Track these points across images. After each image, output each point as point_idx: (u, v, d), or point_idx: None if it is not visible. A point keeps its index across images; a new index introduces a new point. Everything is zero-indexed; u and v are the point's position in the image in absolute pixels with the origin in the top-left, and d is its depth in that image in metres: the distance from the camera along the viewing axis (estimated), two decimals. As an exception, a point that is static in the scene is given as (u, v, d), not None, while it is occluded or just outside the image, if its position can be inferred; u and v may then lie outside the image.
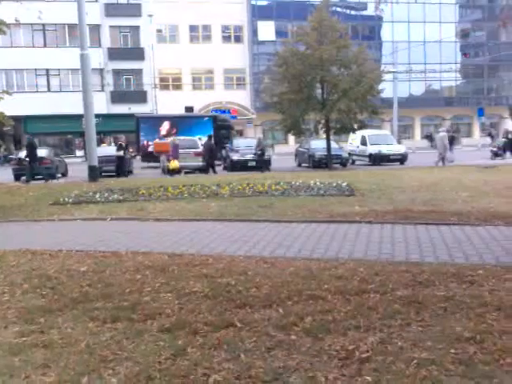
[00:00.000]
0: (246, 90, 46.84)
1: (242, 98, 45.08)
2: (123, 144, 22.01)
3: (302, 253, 6.00)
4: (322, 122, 24.70)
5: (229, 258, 5.74)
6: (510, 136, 28.82)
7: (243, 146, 25.86)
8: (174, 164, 20.86)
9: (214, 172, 21.74)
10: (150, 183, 14.43)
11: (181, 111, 41.69)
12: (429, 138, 50.21)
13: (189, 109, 35.61)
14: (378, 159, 26.62)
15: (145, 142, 30.11)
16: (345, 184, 12.64)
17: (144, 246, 6.53)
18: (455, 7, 51.18)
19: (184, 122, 31.47)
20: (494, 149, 27.29)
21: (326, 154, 24.67)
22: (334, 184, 12.65)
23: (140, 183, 14.88)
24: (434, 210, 8.57)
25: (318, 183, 12.83)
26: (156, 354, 3.30)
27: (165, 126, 31.22)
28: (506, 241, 6.33)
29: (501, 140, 28.67)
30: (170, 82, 45.98)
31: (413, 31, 48.36)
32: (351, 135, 29.20)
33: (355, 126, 24.66)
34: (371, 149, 27.35)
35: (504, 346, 3.21)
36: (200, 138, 27.62)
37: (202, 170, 22.06)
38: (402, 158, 26.83)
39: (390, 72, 38.23)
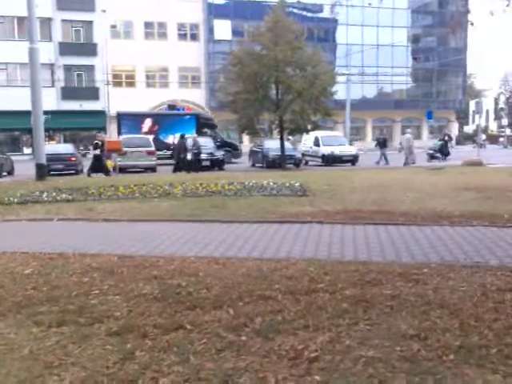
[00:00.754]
0: (201, 89, 46.65)
1: (197, 96, 44.86)
2: (99, 142, 21.40)
3: (253, 253, 6.01)
4: (276, 122, 24.89)
5: (180, 259, 5.68)
6: (446, 138, 29.92)
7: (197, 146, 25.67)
8: (110, 164, 20.40)
9: (187, 170, 21.50)
10: (101, 182, 14.13)
11: (134, 108, 41.07)
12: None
13: (171, 107, 35.33)
14: (330, 160, 27.06)
15: (192, 137, 29.57)
16: (297, 184, 12.74)
17: (92, 248, 6.40)
18: (407, 12, 52.69)
19: (166, 120, 31.22)
20: (430, 151, 27.81)
21: (279, 154, 24.86)
22: (287, 184, 12.73)
23: (90, 182, 14.55)
24: (382, 211, 8.75)
25: (271, 183, 12.87)
26: (103, 358, 3.23)
27: (147, 123, 30.92)
28: (451, 240, 6.54)
29: (437, 142, 29.17)
30: (123, 79, 45.23)
31: (366, 35, 49.47)
32: (304, 136, 29.56)
33: (309, 127, 24.97)
34: (324, 150, 27.76)
35: (447, 343, 3.32)
36: (183, 136, 27.66)
37: (175, 170, 21.83)
38: (353, 159, 27.40)
39: (344, 74, 38.98)
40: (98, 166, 20.83)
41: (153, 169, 23.20)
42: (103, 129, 43.43)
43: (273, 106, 24.17)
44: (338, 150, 27.52)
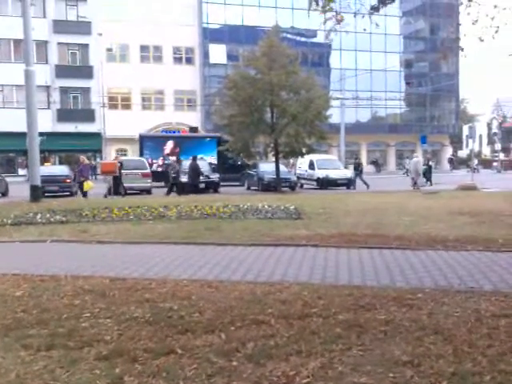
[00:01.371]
0: (197, 112, 46.94)
1: (192, 119, 45.08)
2: (118, 163, 21.47)
3: (247, 276, 5.99)
4: (271, 145, 25.02)
5: (173, 282, 5.66)
6: (430, 163, 29.87)
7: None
8: (88, 185, 20.28)
9: (196, 192, 21.36)
10: (95, 204, 14.09)
11: (129, 131, 41.33)
12: (375, 163, 51.78)
13: (193, 129, 35.86)
14: (325, 183, 27.15)
15: (149, 160, 29.72)
16: (292, 207, 12.76)
17: (85, 270, 6.36)
18: (400, 38, 53.54)
19: (187, 142, 31.63)
20: (414, 176, 27.22)
21: (274, 177, 24.93)
22: (282, 207, 12.76)
23: (84, 204, 14.51)
24: (377, 234, 8.78)
25: (266, 206, 12.91)
26: (91, 383, 3.18)
27: (169, 145, 31.35)
28: (445, 265, 6.54)
29: (409, 167, 29.28)
30: (119, 102, 45.48)
31: (360, 59, 50.15)
32: (300, 159, 29.68)
33: (303, 151, 25.11)
34: (319, 173, 27.87)
35: (440, 370, 3.29)
36: (202, 158, 27.96)
37: (216, 190, 22.09)
38: (348, 183, 27.49)
39: (338, 98, 39.31)
40: (118, 187, 20.77)
41: (148, 191, 23.19)
42: (99, 151, 43.55)
43: (268, 129, 24.34)
44: (333, 174, 27.65)
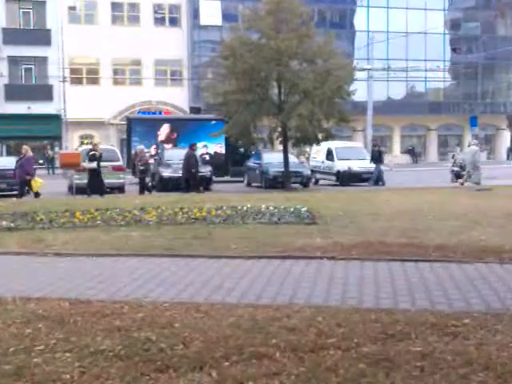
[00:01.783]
0: (183, 87, 47.01)
1: (177, 96, 45.17)
2: (97, 153, 21.55)
3: (246, 298, 6.01)
4: (279, 130, 25.03)
5: (150, 305, 5.68)
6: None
7: (177, 160, 25.83)
8: (37, 183, 20.19)
9: (193, 190, 21.61)
10: (53, 206, 14.13)
11: (97, 112, 41.39)
12: (411, 152, 51.75)
13: (195, 109, 36.03)
14: (347, 178, 27.16)
15: (138, 150, 29.97)
16: (305, 209, 12.78)
17: (38, 290, 6.38)
18: (444, -8, 53.36)
19: (188, 126, 31.79)
20: (455, 168, 26.70)
21: (282, 170, 24.95)
22: (292, 209, 12.79)
23: (39, 206, 14.55)
24: (412, 243, 8.78)
25: (271, 208, 12.92)
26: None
27: (164, 130, 31.50)
28: (499, 282, 6.54)
29: (464, 157, 27.35)
30: (83, 75, 45.59)
31: (392, 19, 50.06)
32: (315, 148, 29.69)
33: (319, 136, 25.11)
34: (339, 165, 27.89)
35: (491, 416, 3.29)
36: (206, 146, 28.26)
37: (184, 188, 22.04)
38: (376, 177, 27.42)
39: (364, 69, 39.33)
40: (97, 184, 20.95)
41: (120, 189, 23.24)
42: (58, 138, 43.68)
43: (274, 109, 24.35)
44: (356, 166, 27.65)
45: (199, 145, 27.30)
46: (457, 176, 26.37)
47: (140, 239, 9.66)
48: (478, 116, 50.95)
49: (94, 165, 21.13)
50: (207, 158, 29.33)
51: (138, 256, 8.30)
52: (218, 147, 30.63)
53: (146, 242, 9.31)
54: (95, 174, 21.15)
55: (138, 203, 14.81)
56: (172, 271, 7.31)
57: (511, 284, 6.45)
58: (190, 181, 22.43)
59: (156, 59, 45.77)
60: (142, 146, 25.88)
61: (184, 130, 31.10)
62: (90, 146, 24.16)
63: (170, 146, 29.64)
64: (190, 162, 22.55)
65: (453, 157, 40.39)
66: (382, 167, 27.70)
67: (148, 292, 6.28)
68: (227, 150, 30.47)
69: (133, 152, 29.31)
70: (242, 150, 29.35)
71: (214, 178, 26.28)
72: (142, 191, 22.09)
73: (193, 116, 34.32)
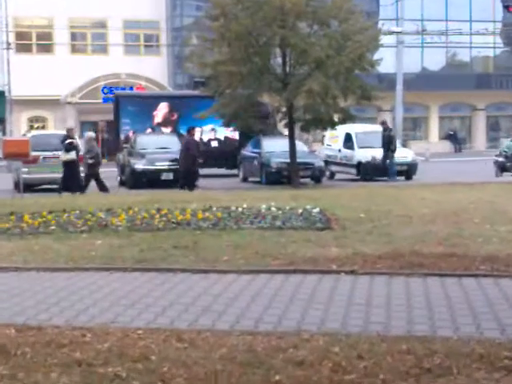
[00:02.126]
0: (162, 57, 47.03)
1: (153, 68, 45.16)
2: (74, 141, 21.59)
3: (241, 323, 6.01)
4: (283, 110, 25.01)
5: (120, 332, 5.68)
6: None
7: (153, 148, 25.80)
8: None
9: (191, 187, 21.82)
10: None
11: (50, 88, 41.29)
12: (452, 138, 51.72)
13: (199, 84, 35.91)
14: (370, 171, 27.14)
15: (130, 134, 30.04)
16: (316, 210, 12.80)
17: (-24, 314, 6.38)
18: None
19: (189, 105, 31.50)
20: (500, 159, 27.13)
21: (288, 161, 24.95)
22: (300, 210, 12.80)
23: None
24: (454, 253, 8.78)
25: (273, 209, 12.95)
26: None
27: (161, 110, 31.50)
28: None
29: (510, 144, 28.22)
30: (33, 41, 45.54)
31: (428, -31, 50.04)
32: (329, 133, 29.67)
33: (335, 118, 25.08)
34: (360, 154, 27.89)
35: None
36: (214, 129, 28.74)
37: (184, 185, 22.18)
38: (408, 170, 27.49)
39: (393, 33, 39.26)
40: (73, 179, 21.02)
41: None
42: (0, 120, 43.60)
43: (277, 84, 24.32)
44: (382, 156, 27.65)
45: (206, 128, 27.23)
46: (502, 169, 26.49)
47: (106, 249, 9.63)
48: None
49: (72, 155, 21.22)
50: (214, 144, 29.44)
51: (102, 270, 8.29)
52: (229, 131, 30.58)
53: (114, 253, 9.29)
54: (73, 167, 21.22)
55: (103, 203, 14.77)
56: (147, 290, 7.28)
57: None
58: (189, 175, 22.65)
59: (126, 20, 45.74)
60: (90, 133, 25.60)
61: (186, 109, 30.80)
62: (48, 131, 24.25)
63: (168, 129, 29.52)
64: (189, 149, 22.72)
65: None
66: (398, 158, 27.53)
67: (116, 316, 6.27)
68: (241, 137, 30.25)
69: (122, 138, 29.80)
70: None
71: (216, 172, 26.29)
72: (102, 189, 21.81)
73: (195, 93, 34.18)
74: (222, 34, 24.12)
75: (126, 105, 31.97)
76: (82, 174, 21.79)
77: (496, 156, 27.72)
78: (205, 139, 30.15)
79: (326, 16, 24.38)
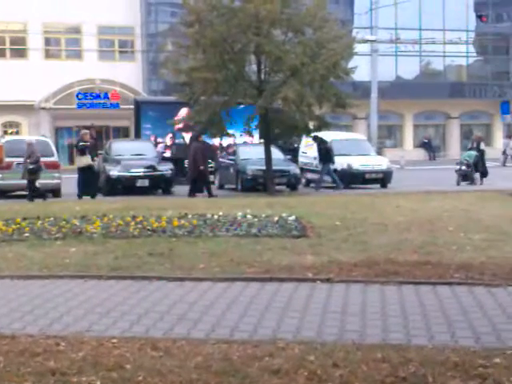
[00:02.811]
0: (136, 62, 46.87)
1: (128, 74, 44.99)
2: (88, 143, 21.87)
3: (217, 331, 6.02)
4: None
5: (94, 341, 5.65)
6: (482, 147, 29.75)
7: (128, 155, 25.71)
8: None
9: (210, 194, 22.41)
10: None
11: (24, 93, 40.97)
12: (426, 146, 52.07)
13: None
14: (346, 179, 27.21)
15: (151, 139, 30.03)
16: (292, 218, 12.85)
17: None
18: None
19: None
20: (462, 168, 27.22)
21: (263, 168, 24.96)
22: (276, 218, 12.85)
23: None
24: (429, 262, 8.84)
25: (249, 216, 13.02)
26: None
27: (182, 115, 31.16)
28: (539, 310, 6.61)
29: (471, 153, 28.26)
30: (6, 46, 45.19)
31: (402, -23, 50.33)
32: (305, 140, 29.71)
33: (311, 126, 25.12)
34: (336, 162, 27.94)
35: None
36: (233, 135, 28.33)
37: (192, 192, 22.76)
38: (383, 178, 27.58)
39: (367, 41, 39.45)
40: (92, 183, 21.31)
41: (55, 191, 23.11)
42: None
43: (252, 90, 24.31)
44: (358, 163, 27.75)
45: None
46: (464, 177, 26.80)
47: (80, 257, 9.61)
48: (511, 101, 51.44)
49: (88, 160, 21.53)
50: (165, 151, 29.30)
51: (77, 278, 8.27)
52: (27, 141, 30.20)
53: (88, 261, 9.28)
54: (90, 172, 21.61)
55: (78, 210, 14.73)
56: (122, 298, 7.27)
57: (554, 313, 6.51)
58: (197, 181, 23.12)
59: (100, 26, 45.54)
60: (31, 138, 25.20)
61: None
62: (22, 137, 24.07)
63: (189, 134, 29.38)
64: (197, 157, 22.94)
65: (504, 152, 41.76)
66: (373, 166, 27.77)
67: (91, 324, 6.25)
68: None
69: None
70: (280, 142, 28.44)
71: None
72: (31, 197, 21.49)
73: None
74: (197, 40, 24.08)
75: (147, 110, 31.95)
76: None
77: (457, 164, 27.99)
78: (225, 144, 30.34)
79: (301, 24, 24.41)
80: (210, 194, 22.57)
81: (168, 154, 30.14)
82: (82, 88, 43.56)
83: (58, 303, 7.08)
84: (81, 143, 22.09)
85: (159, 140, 30.61)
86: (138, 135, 31.78)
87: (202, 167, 22.96)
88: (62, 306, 6.94)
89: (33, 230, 11.87)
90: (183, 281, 8.05)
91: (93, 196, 21.34)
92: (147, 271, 8.59)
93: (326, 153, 27.07)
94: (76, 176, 22.66)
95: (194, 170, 23.14)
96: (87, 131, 24.66)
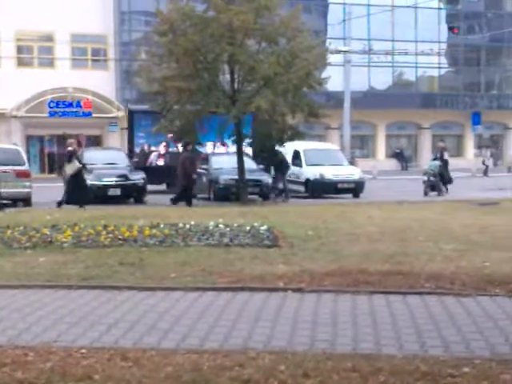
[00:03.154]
0: (109, 71, 46.72)
1: (101, 82, 44.83)
2: (77, 151, 21.85)
3: (187, 341, 6.00)
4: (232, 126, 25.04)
5: (63, 351, 5.61)
6: (446, 157, 30.02)
7: (100, 164, 25.59)
8: None
9: (189, 203, 22.68)
10: None
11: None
12: (399, 156, 52.41)
13: None
14: (319, 188, 27.34)
15: (145, 147, 30.09)
16: (265, 228, 12.88)
17: None
18: (438, -43, 54.21)
19: (212, 119, 30.94)
20: (429, 178, 27.72)
21: (236, 178, 24.96)
22: (248, 227, 12.88)
23: None
24: (400, 271, 8.88)
25: (221, 226, 13.01)
26: None
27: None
28: (507, 320, 6.65)
29: (435, 164, 28.78)
30: (-23, 53, 44.84)
31: (375, -10, 50.66)
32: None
33: (284, 136, 25.19)
34: (309, 172, 28.07)
35: None
36: (187, 147, 27.95)
37: (177, 199, 23.22)
38: (356, 188, 27.70)
39: (340, 52, 39.69)
40: (80, 191, 21.20)
41: (26, 200, 22.93)
42: None
43: (225, 100, 24.33)
44: (331, 173, 27.85)
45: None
46: (432, 187, 27.02)
47: (50, 266, 9.52)
48: (482, 112, 51.94)
49: (76, 164, 21.49)
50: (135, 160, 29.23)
51: (47, 288, 8.20)
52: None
53: (58, 270, 9.19)
54: (79, 179, 21.48)
55: (48, 220, 14.63)
56: (91, 307, 7.23)
57: (523, 322, 6.56)
58: (188, 190, 23.32)
59: (73, 34, 45.33)
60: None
61: (206, 125, 30.25)
62: None
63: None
64: (186, 165, 23.18)
65: (483, 162, 42.29)
66: (345, 176, 28.03)
67: (59, 334, 6.20)
68: (254, 152, 28.86)
69: (137, 151, 30.04)
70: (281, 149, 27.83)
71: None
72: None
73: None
74: (171, 49, 24.09)
75: (140, 119, 31.72)
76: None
77: (424, 175, 28.23)
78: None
79: (274, 34, 24.49)
80: (189, 203, 22.80)
81: (161, 162, 30.25)
82: (54, 96, 43.34)
83: (27, 313, 7.02)
84: (68, 148, 22.17)
85: (153, 149, 30.67)
86: (131, 144, 31.71)
87: (194, 176, 23.41)
88: (30, 316, 6.88)
89: (2, 239, 11.77)
90: (154, 290, 8.00)
91: (82, 205, 21.05)
92: (118, 281, 8.53)
93: (279, 163, 27.19)
94: (61, 185, 22.66)
95: (183, 179, 23.36)
96: (72, 140, 24.94)
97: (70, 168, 21.77)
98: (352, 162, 37.08)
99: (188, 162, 23.49)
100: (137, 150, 30.88)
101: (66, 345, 5.85)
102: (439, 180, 27.70)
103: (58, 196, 22.60)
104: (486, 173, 42.43)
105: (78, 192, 21.38)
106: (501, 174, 41.63)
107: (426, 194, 26.94)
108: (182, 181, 23.47)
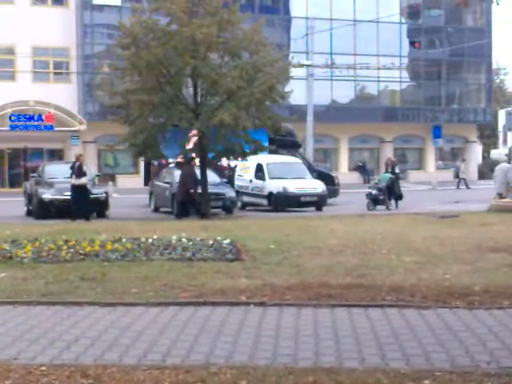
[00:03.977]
0: (71, 84, 46.44)
1: (63, 96, 44.53)
2: (84, 168, 22.12)
3: (149, 357, 5.99)
4: (195, 140, 25.00)
5: (22, 369, 5.56)
6: (397, 170, 29.90)
7: (62, 178, 25.37)
8: None
9: (201, 213, 23.16)
10: None
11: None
12: (361, 169, 52.73)
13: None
14: (282, 202, 27.34)
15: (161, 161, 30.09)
16: (227, 242, 12.89)
17: None
18: (400, -28, 54.83)
19: (170, 132, 30.83)
20: (373, 191, 27.32)
21: (199, 192, 24.94)
22: (210, 242, 12.90)
23: None
24: (361, 284, 8.96)
25: (183, 240, 12.99)
26: None
27: (193, 136, 30.53)
28: (468, 332, 6.72)
29: (385, 176, 28.48)
30: None
31: (337, 4, 51.07)
32: (240, 163, 29.79)
33: (247, 149, 25.22)
34: (272, 185, 28.07)
35: None
36: (190, 162, 28.07)
37: (180, 214, 23.35)
38: (319, 201, 27.77)
39: (303, 66, 39.86)
40: (83, 203, 21.78)
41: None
42: None
43: (188, 113, 24.28)
44: (293, 187, 27.91)
45: None
46: (375, 202, 26.83)
47: (9, 282, 9.45)
48: (443, 125, 52.47)
49: (84, 180, 22.30)
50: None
51: (6, 304, 8.14)
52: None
53: (18, 286, 9.13)
54: (83, 192, 22.16)
55: (8, 234, 14.50)
56: (52, 324, 7.18)
57: (481, 335, 6.62)
58: (188, 204, 23.63)
59: (35, 47, 45.03)
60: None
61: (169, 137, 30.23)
62: None
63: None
64: (186, 180, 23.38)
65: (457, 176, 42.31)
66: (308, 189, 28.15)
67: (19, 352, 6.16)
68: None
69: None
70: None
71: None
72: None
73: None
74: (133, 62, 24.00)
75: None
76: None
77: (369, 188, 28.04)
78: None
79: (237, 47, 24.54)
80: (201, 214, 23.15)
81: None
82: (15, 110, 42.89)
83: (-15, 330, 6.95)
84: (77, 163, 22.76)
85: (170, 160, 30.60)
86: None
87: (192, 190, 23.38)
88: (-12, 334, 6.82)
89: (-41, 254, 11.65)
90: (115, 306, 7.97)
91: (87, 218, 21.60)
92: (79, 296, 8.48)
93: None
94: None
95: (182, 193, 23.54)
96: (82, 154, 26.23)
97: (80, 180, 22.39)
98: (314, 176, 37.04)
99: (188, 176, 23.62)
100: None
101: (25, 362, 5.81)
102: (387, 193, 27.41)
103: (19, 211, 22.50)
104: (466, 185, 42.49)
105: (81, 204, 21.92)
106: (461, 187, 42.07)
107: (369, 208, 26.58)
108: (182, 196, 23.54)
